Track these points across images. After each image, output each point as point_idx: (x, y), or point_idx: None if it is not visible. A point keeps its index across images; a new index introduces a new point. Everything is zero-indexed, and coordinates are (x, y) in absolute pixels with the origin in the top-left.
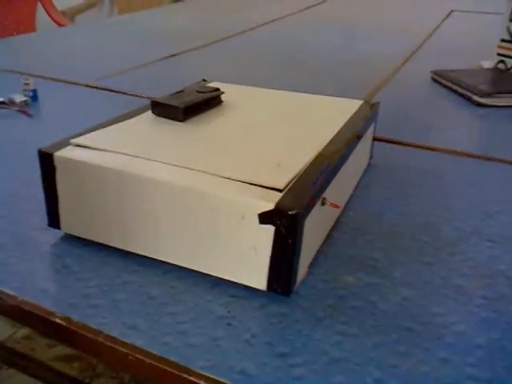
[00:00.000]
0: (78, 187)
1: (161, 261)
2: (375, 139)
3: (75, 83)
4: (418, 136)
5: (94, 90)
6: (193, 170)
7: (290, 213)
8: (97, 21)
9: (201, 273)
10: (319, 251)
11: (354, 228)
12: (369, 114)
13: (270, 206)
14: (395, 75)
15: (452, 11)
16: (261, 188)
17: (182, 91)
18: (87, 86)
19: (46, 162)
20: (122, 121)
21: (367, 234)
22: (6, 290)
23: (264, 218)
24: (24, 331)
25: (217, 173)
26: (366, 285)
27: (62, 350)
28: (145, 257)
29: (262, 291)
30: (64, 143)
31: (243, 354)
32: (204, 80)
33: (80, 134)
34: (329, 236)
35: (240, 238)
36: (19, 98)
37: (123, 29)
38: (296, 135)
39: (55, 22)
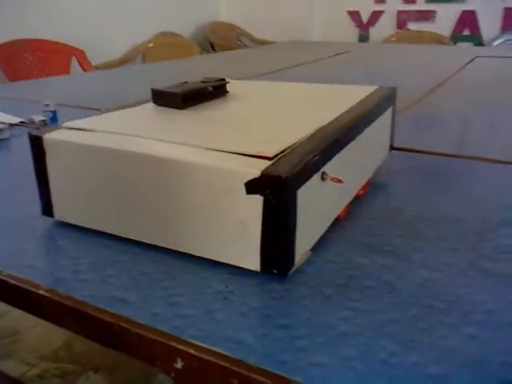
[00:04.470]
0: (67, 170)
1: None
2: (395, 149)
3: (94, 109)
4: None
5: None
6: (179, 143)
7: (277, 178)
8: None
9: None
10: (329, 237)
11: (370, 219)
12: (383, 96)
13: (256, 174)
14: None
15: (476, 57)
16: (249, 157)
17: (185, 82)
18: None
19: (36, 146)
20: (119, 110)
21: (385, 224)
22: None
23: (251, 187)
24: (37, 370)
25: (203, 145)
26: (381, 266)
27: None
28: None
29: None
30: (57, 128)
31: (240, 326)
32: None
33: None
34: (340, 226)
35: (227, 213)
36: (38, 118)
37: (146, 74)
38: (298, 116)
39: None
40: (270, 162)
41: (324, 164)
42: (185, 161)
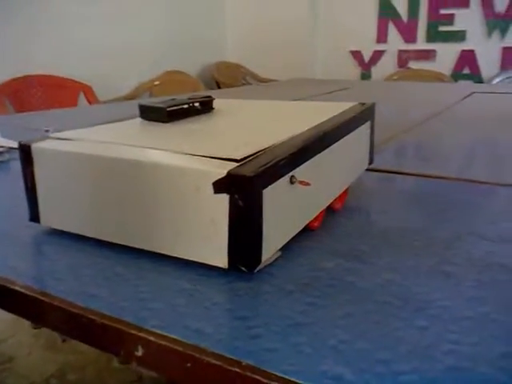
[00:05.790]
0: (52, 177)
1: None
2: (377, 170)
3: None
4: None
5: None
6: (156, 149)
7: (242, 177)
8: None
9: (173, 256)
10: (300, 245)
11: (343, 229)
12: (360, 110)
13: (222, 173)
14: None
15: (473, 92)
16: (219, 160)
17: (173, 99)
18: None
19: (25, 154)
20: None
21: (356, 234)
22: None
23: (218, 186)
24: None
25: (178, 150)
26: (346, 269)
27: None
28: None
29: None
30: (45, 138)
31: (200, 317)
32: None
33: None
34: (313, 234)
35: (198, 212)
36: None
37: None
38: (275, 127)
39: None
40: (237, 164)
41: (293, 168)
42: (158, 163)
